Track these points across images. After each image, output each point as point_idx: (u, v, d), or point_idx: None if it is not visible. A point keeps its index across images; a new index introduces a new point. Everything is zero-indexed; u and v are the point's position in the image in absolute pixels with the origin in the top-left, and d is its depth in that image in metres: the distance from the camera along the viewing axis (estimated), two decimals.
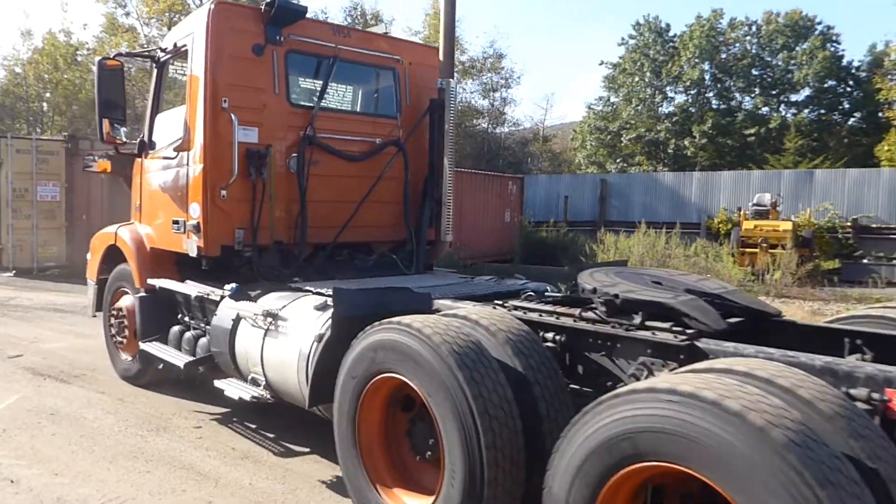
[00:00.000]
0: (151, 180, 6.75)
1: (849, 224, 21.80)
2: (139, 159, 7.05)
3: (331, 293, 4.35)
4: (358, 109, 7.02)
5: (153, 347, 6.36)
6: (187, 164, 5.98)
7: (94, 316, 7.79)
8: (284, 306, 5.11)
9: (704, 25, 38.83)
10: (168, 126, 6.63)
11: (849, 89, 39.39)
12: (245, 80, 5.89)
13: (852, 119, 39.44)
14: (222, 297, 5.73)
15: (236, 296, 5.47)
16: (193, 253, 5.86)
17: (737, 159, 36.37)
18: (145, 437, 5.67)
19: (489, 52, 29.99)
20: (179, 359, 5.91)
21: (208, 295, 5.79)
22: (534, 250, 21.12)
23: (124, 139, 6.52)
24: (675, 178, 27.11)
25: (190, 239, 5.89)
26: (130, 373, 7.08)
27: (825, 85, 39.01)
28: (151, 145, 6.77)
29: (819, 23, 39.50)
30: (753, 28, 40.11)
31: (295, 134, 6.16)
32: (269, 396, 4.99)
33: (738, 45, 39.83)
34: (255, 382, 5.17)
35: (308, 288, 5.36)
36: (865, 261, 20.33)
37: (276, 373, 4.93)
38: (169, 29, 36.80)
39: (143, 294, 6.62)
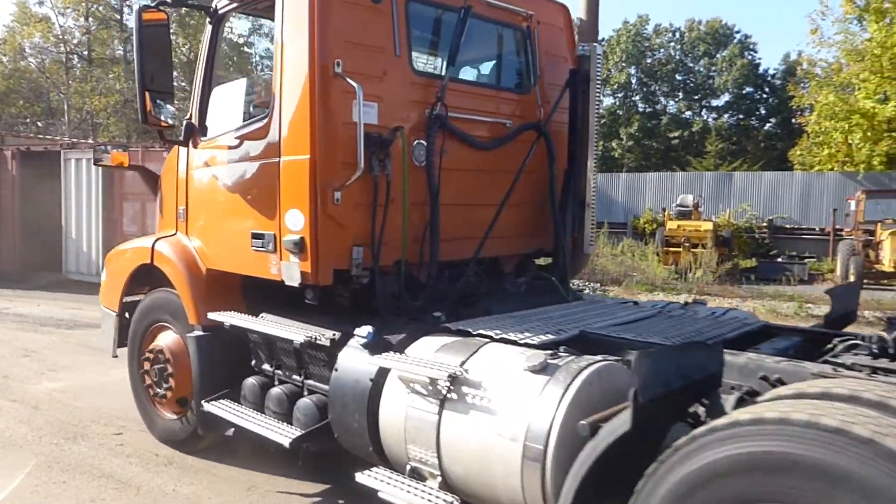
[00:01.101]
0: (206, 177, 4.97)
1: (765, 224, 23.25)
2: (181, 149, 5.26)
3: (543, 341, 3.20)
4: (486, 81, 5.35)
5: (224, 409, 4.61)
6: (277, 156, 4.24)
7: (116, 356, 5.94)
8: (465, 362, 3.47)
9: (631, 30, 40.24)
10: (231, 104, 4.87)
11: (765, 96, 42.11)
12: (362, 35, 4.19)
13: (768, 124, 42.26)
14: (333, 342, 4.05)
15: (374, 343, 3.79)
16: (294, 281, 4.13)
17: (661, 161, 38.15)
18: (61, 446, 5.47)
19: None
20: (275, 430, 4.17)
21: (316, 339, 4.08)
22: None
23: (170, 121, 4.74)
24: (603, 179, 26.63)
25: (287, 261, 4.16)
26: (178, 436, 5.28)
27: (743, 91, 41.57)
28: (203, 130, 5.00)
29: (738, 31, 42.54)
30: (677, 35, 42.44)
31: (418, 112, 4.49)
32: (454, 501, 3.33)
33: (662, 50, 42.29)
34: (417, 475, 3.51)
35: (485, 332, 3.73)
36: (780, 259, 21.14)
37: (467, 467, 3.28)
38: (87, 20, 34.68)
39: (201, 333, 4.85)
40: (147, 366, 5.37)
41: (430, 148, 4.43)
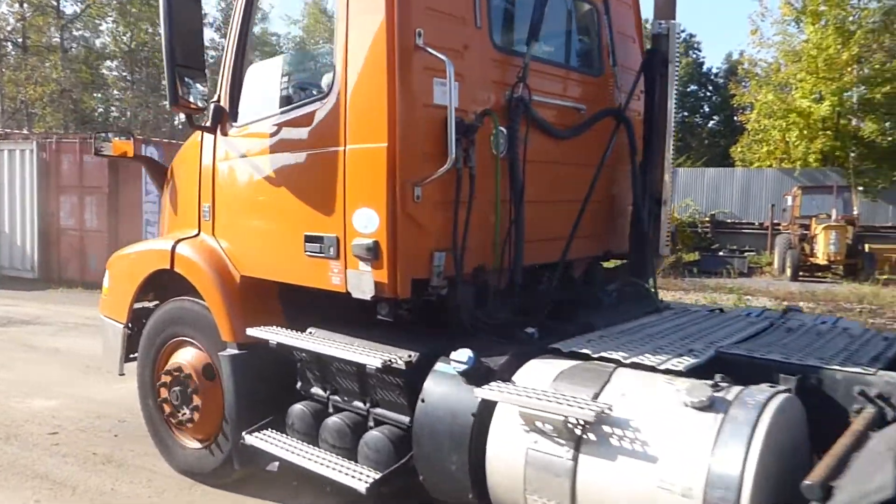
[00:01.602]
0: (240, 170, 4.25)
1: (707, 219, 23.77)
2: (204, 138, 4.53)
3: (687, 366, 2.58)
4: (563, 61, 4.72)
5: (270, 442, 3.92)
6: (340, 144, 3.56)
7: (123, 374, 5.18)
8: (599, 394, 2.87)
9: None
10: (271, 83, 4.18)
11: (709, 94, 43.16)
12: (443, 1, 3.55)
13: (712, 122, 43.39)
14: (410, 364, 3.41)
15: (474, 370, 3.15)
16: (365, 293, 3.47)
17: None
18: None
19: None
20: (344, 471, 3.50)
21: (392, 363, 3.42)
22: None
23: (200, 103, 4.02)
24: None
25: (355, 269, 3.50)
26: (204, 467, 4.55)
27: (688, 89, 42.23)
28: (235, 115, 4.28)
29: (683, 30, 43.26)
30: None
31: (498, 94, 3.86)
32: None
33: None
34: None
35: (610, 355, 3.13)
36: (721, 253, 21.41)
37: None
38: (22, 6, 32.79)
39: (237, 352, 4.15)
40: (165, 387, 4.63)
41: (513, 136, 3.81)
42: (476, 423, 3.11)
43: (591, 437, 2.77)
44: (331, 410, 3.92)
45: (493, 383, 3.07)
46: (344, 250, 3.56)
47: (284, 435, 3.99)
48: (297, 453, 3.77)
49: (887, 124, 26.72)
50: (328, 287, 3.68)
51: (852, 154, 25.23)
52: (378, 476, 3.40)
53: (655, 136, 4.77)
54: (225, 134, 4.32)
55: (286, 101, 4.07)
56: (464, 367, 3.14)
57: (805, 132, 25.89)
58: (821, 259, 17.78)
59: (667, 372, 2.95)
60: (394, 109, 3.33)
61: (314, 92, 3.93)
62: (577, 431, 2.79)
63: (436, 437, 3.23)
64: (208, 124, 4.32)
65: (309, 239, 3.73)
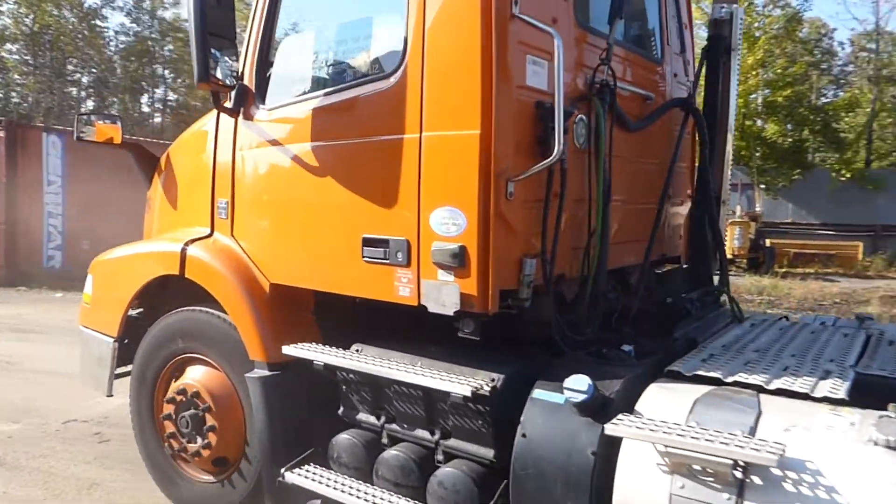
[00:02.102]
0: (271, 159, 3.63)
1: None
2: (220, 123, 3.90)
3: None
4: (631, 44, 4.25)
5: (317, 480, 3.33)
6: (412, 131, 3.00)
7: (112, 395, 4.47)
8: (755, 429, 2.43)
9: None
10: (310, 60, 3.59)
11: None
12: None
13: None
14: (496, 390, 2.91)
15: (593, 401, 2.67)
16: (447, 307, 2.92)
17: None
18: None
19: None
20: None
21: (479, 390, 2.89)
22: None
23: (229, 81, 3.39)
24: None
25: (433, 280, 2.96)
26: None
27: None
28: (262, 96, 3.67)
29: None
30: None
31: (581, 78, 3.39)
32: None
33: None
34: None
35: (745, 380, 2.70)
36: None
37: None
38: None
39: (269, 374, 3.55)
40: (170, 411, 3.98)
41: (601, 126, 3.34)
42: (598, 462, 2.63)
43: (758, 481, 2.33)
44: (385, 441, 3.37)
45: (621, 417, 2.59)
46: (417, 256, 3.02)
47: (329, 470, 3.42)
48: (351, 493, 3.21)
49: (788, 126, 28.51)
50: (392, 299, 3.13)
51: (756, 154, 26.25)
52: None
53: (717, 130, 4.39)
54: (249, 118, 3.70)
55: (332, 80, 3.49)
56: (582, 396, 2.65)
57: None
58: (727, 253, 18.66)
59: (823, 400, 2.54)
60: (489, 90, 2.81)
61: (369, 69, 3.37)
62: (738, 475, 2.35)
63: (544, 479, 2.73)
64: (229, 106, 3.69)
65: (368, 242, 3.17)
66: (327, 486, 3.28)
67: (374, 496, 3.18)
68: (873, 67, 34.43)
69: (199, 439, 3.89)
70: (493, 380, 2.99)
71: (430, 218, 2.96)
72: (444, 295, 2.93)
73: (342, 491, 3.23)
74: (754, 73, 25.45)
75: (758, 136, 27.40)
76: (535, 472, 2.76)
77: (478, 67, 2.81)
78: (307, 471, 3.41)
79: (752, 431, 2.44)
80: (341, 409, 3.54)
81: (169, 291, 4.15)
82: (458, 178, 2.89)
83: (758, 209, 21.19)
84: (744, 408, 2.55)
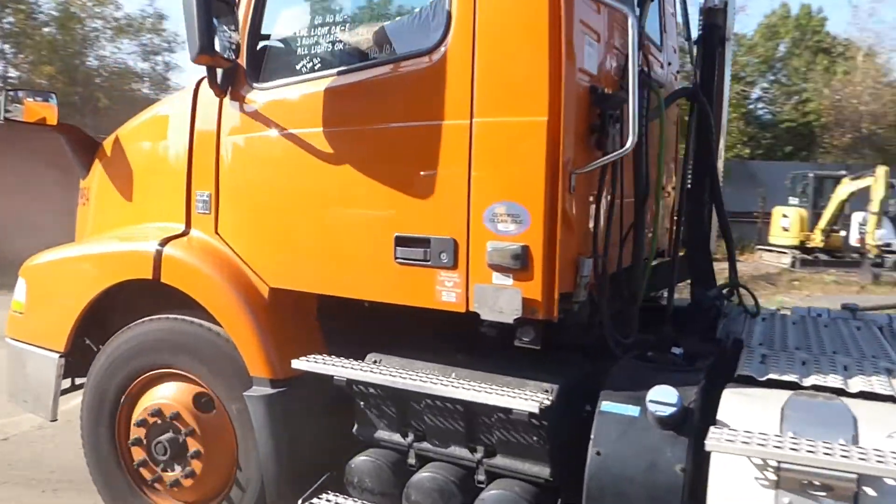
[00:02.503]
0: (270, 145, 3.15)
1: None
2: (199, 102, 3.39)
3: None
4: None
5: None
6: (462, 116, 2.66)
7: (56, 419, 3.81)
8: (856, 436, 2.32)
9: None
10: (321, 30, 3.15)
11: None
12: None
13: None
14: (553, 402, 2.66)
15: (681, 414, 2.46)
16: (506, 315, 2.60)
17: None
18: None
19: (148, 12, 26.76)
20: None
21: (543, 405, 2.62)
22: None
23: (228, 54, 2.91)
24: None
25: (487, 283, 2.65)
26: None
27: None
28: (256, 72, 3.19)
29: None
30: None
31: (617, 62, 3.17)
32: None
33: None
34: None
35: (827, 383, 2.59)
36: None
37: None
38: None
39: (273, 391, 3.10)
40: (140, 435, 3.43)
41: (641, 114, 3.13)
42: (687, 480, 2.43)
43: (871, 492, 2.21)
44: (412, 462, 3.03)
45: (716, 431, 2.39)
46: (466, 257, 2.69)
47: (349, 498, 3.04)
48: None
49: None
50: (433, 305, 2.79)
51: None
52: None
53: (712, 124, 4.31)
54: (239, 99, 3.21)
55: (350, 55, 3.07)
56: (671, 410, 2.43)
57: None
58: None
59: None
60: (558, 71, 2.52)
61: (400, 44, 2.98)
62: (852, 488, 2.22)
63: (625, 499, 2.50)
64: (217, 82, 3.18)
65: (403, 242, 2.80)
66: None
67: None
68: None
69: (178, 467, 3.38)
70: (546, 391, 2.73)
71: (483, 215, 2.65)
72: (501, 300, 2.63)
73: None
74: None
75: None
76: (613, 493, 2.52)
77: (545, 45, 2.52)
78: (327, 500, 3.00)
79: (855, 440, 2.32)
80: (356, 427, 3.16)
81: (122, 300, 3.59)
82: (520, 170, 2.59)
83: None
84: (837, 414, 2.43)
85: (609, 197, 2.87)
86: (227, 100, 3.23)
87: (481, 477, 2.91)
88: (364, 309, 3.17)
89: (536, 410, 2.58)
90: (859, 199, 17.04)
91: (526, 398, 2.62)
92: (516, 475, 2.83)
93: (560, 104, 2.53)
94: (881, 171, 16.12)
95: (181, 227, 3.45)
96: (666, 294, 3.77)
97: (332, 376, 2.98)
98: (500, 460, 2.87)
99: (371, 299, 2.97)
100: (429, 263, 2.76)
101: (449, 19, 2.70)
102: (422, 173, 2.76)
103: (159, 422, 3.37)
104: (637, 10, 3.12)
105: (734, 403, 2.58)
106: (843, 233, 18.55)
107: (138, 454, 3.45)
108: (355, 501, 3.00)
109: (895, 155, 25.83)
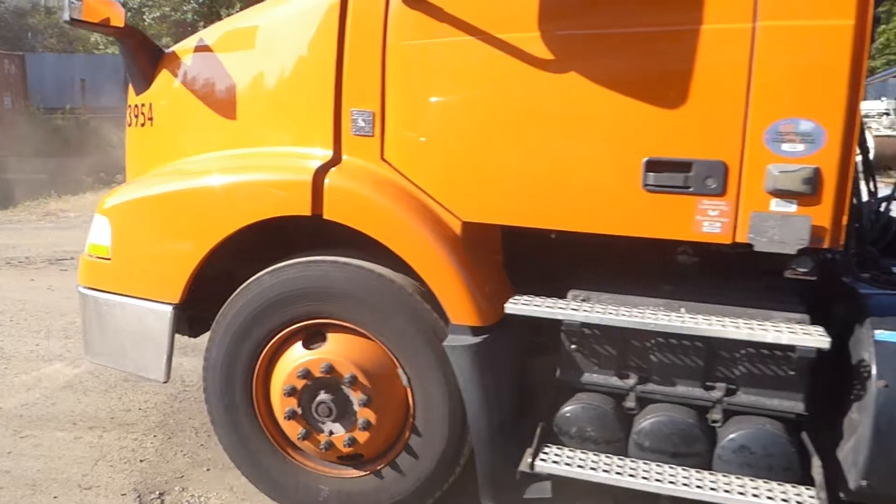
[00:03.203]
0: (468, 52, 2.63)
1: None
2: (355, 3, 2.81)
3: None
4: None
5: (574, 466, 2.68)
6: (742, 19, 2.29)
7: (167, 380, 3.28)
8: None
9: None
10: None
11: None
12: None
13: None
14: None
15: None
16: (789, 245, 2.32)
17: None
18: None
19: None
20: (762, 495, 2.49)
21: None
22: (48, 140, 18.54)
23: None
24: None
25: (763, 211, 2.37)
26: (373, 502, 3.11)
27: None
28: None
29: None
30: None
31: None
32: None
33: None
34: None
35: None
36: None
37: None
38: None
39: (477, 339, 2.74)
40: (291, 406, 3.00)
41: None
42: None
43: None
44: (630, 405, 2.80)
45: None
46: (738, 182, 2.40)
47: (574, 449, 2.79)
48: (630, 472, 2.64)
49: None
50: (690, 237, 2.50)
51: None
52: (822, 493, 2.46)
53: None
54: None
55: None
56: None
57: None
58: None
59: None
60: None
61: None
62: None
63: None
64: None
65: (656, 166, 2.46)
66: (592, 469, 2.67)
67: (661, 473, 2.64)
68: None
69: (343, 427, 3.00)
70: (798, 321, 2.56)
71: (764, 133, 2.34)
72: (785, 229, 2.37)
73: (618, 473, 2.64)
74: None
75: None
76: None
77: None
78: (554, 454, 2.74)
79: None
80: (559, 372, 2.88)
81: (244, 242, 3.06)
82: (815, 81, 2.28)
83: None
84: None
85: None
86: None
87: (717, 416, 2.72)
88: (547, 242, 2.85)
89: (828, 346, 2.39)
90: None
91: (810, 333, 2.42)
92: (763, 412, 2.67)
93: (868, 5, 2.22)
94: None
95: (325, 153, 2.92)
96: None
97: (548, 318, 2.66)
98: (743, 397, 2.68)
99: (610, 232, 2.62)
100: (690, 190, 2.44)
101: None
102: (683, 87, 2.40)
103: (323, 378, 2.95)
104: None
105: None
106: None
107: (294, 428, 3.03)
108: (584, 453, 2.76)
109: None
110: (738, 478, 2.59)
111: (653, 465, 2.68)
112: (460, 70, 2.70)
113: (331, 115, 2.90)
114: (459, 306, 2.72)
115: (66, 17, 3.01)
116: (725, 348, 2.63)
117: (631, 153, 2.48)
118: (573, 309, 2.67)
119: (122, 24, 3.19)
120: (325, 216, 2.81)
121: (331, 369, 2.93)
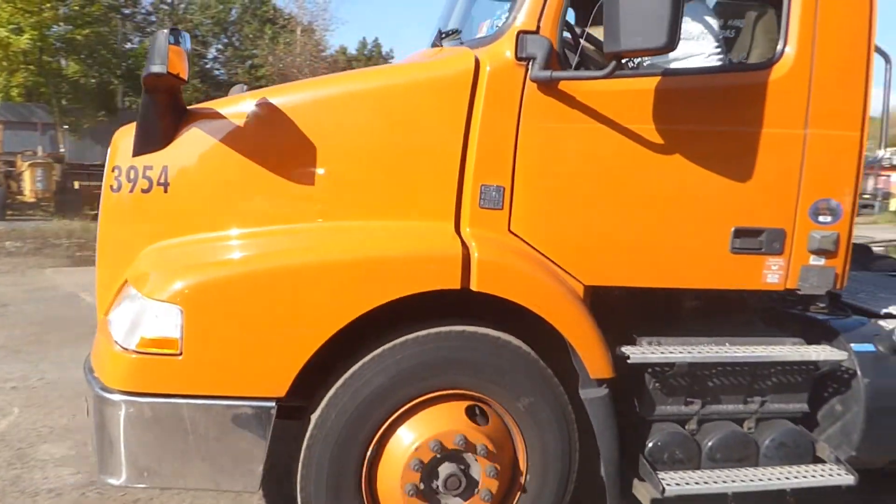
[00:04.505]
0: (595, 137, 3.02)
1: None
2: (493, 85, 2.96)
3: None
4: None
5: (690, 484, 3.17)
6: (798, 126, 3.18)
7: (258, 489, 2.79)
8: None
9: None
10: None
11: None
12: None
13: None
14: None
15: None
16: (820, 288, 3.27)
17: None
18: None
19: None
20: (810, 476, 3.29)
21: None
22: None
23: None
24: None
25: (805, 265, 3.26)
26: None
27: None
28: (561, 57, 3.01)
29: None
30: None
31: None
32: None
33: None
34: None
35: None
36: None
37: None
38: None
39: (607, 390, 3.07)
40: (412, 481, 2.90)
41: None
42: None
43: None
44: (694, 427, 3.43)
45: None
46: (791, 244, 3.24)
47: (678, 472, 3.28)
48: (727, 481, 3.26)
49: (90, 66, 28.44)
50: (758, 286, 3.27)
51: (57, 92, 25.81)
52: (844, 464, 3.37)
53: None
54: (546, 80, 2.95)
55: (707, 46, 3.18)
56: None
57: (5, 64, 25.60)
58: (28, 196, 18.45)
59: None
60: (868, 93, 3.25)
61: (742, 54, 3.22)
62: None
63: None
64: (535, 69, 2.89)
65: (741, 233, 3.18)
66: (707, 484, 3.20)
67: (744, 476, 3.29)
68: (171, 20, 35.97)
69: (461, 500, 3.01)
70: (801, 343, 3.50)
71: (808, 209, 3.23)
72: (821, 277, 3.28)
73: (723, 482, 3.23)
74: (49, 5, 24.47)
75: (58, 74, 26.53)
76: (889, 408, 3.46)
77: (864, 71, 3.21)
78: (673, 478, 3.19)
79: None
80: (639, 406, 3.36)
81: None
82: (839, 172, 3.25)
83: (62, 150, 20.30)
84: None
85: None
86: (533, 84, 2.93)
87: (752, 424, 3.50)
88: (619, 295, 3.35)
89: (845, 357, 3.35)
90: None
91: (829, 351, 3.37)
92: (781, 415, 3.53)
93: (865, 120, 3.27)
94: None
95: (444, 225, 2.97)
96: None
97: (661, 363, 3.16)
98: (772, 406, 3.50)
99: (703, 286, 3.22)
100: (762, 251, 3.20)
101: (786, 35, 3.13)
102: (760, 173, 3.16)
103: (456, 450, 2.94)
104: None
105: None
106: None
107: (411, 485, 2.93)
108: (700, 472, 3.26)
109: None
110: (786, 467, 3.39)
111: (752, 469, 3.33)
112: (586, 152, 3.06)
113: (454, 188, 2.96)
114: (598, 362, 3.03)
115: (164, 70, 2.52)
116: (761, 369, 3.43)
117: (723, 224, 3.15)
118: (680, 352, 3.20)
119: (185, 78, 2.76)
120: (475, 288, 2.86)
121: (465, 441, 2.94)
